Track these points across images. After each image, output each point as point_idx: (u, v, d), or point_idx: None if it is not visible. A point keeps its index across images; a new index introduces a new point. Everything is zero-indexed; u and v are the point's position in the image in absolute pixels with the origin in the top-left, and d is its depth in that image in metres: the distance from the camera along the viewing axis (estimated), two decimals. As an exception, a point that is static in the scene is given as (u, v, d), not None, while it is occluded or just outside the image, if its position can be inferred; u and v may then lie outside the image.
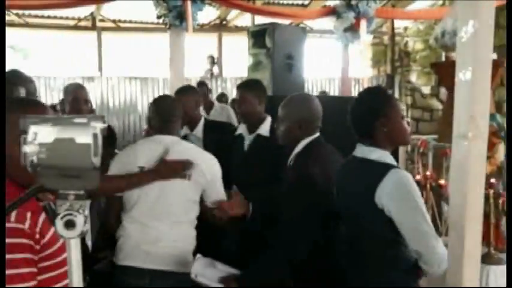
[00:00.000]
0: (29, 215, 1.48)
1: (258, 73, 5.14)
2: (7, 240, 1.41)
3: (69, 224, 1.03)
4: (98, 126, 1.05)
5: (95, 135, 1.04)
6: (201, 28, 9.50)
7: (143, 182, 2.68)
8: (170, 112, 2.88)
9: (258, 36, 5.35)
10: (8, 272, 1.40)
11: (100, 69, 10.84)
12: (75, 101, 3.80)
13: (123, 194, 2.75)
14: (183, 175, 2.70)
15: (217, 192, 2.84)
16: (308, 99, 2.76)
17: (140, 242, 2.69)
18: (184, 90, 3.76)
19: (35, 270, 1.50)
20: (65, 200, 1.04)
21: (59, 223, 1.03)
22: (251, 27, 6.14)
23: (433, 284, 2.84)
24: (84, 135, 1.04)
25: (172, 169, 2.68)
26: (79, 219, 1.04)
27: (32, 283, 1.48)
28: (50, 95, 9.72)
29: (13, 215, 1.44)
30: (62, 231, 1.04)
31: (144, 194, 2.71)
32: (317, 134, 2.71)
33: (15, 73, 3.21)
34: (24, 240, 1.47)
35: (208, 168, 2.80)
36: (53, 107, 4.98)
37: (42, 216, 1.50)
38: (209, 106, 6.63)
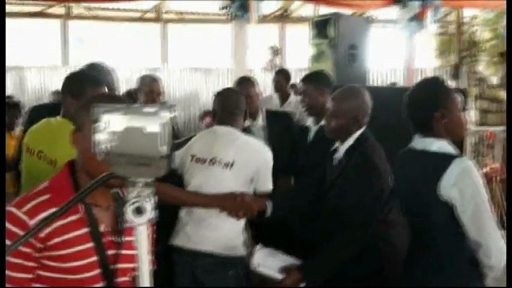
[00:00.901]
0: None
1: (320, 64, 5.12)
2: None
3: (138, 211, 1.06)
4: (167, 115, 1.07)
5: (163, 125, 1.06)
6: (264, 19, 9.51)
7: (202, 204, 2.78)
8: (234, 105, 2.91)
9: (321, 26, 5.31)
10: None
11: (164, 60, 11.03)
12: (150, 93, 3.94)
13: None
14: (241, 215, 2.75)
15: (265, 183, 2.86)
16: (363, 93, 2.72)
17: (186, 224, 2.81)
18: (245, 81, 3.80)
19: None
20: (134, 188, 1.07)
21: (129, 209, 1.06)
22: (314, 18, 6.09)
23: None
24: (153, 124, 1.06)
25: (237, 207, 2.73)
26: (147, 206, 1.07)
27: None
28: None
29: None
30: (131, 217, 1.07)
31: (190, 178, 2.83)
32: (365, 127, 2.68)
33: (95, 67, 3.31)
34: None
35: (257, 158, 2.82)
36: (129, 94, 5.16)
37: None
38: (285, 96, 6.39)
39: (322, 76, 3.53)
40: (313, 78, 3.47)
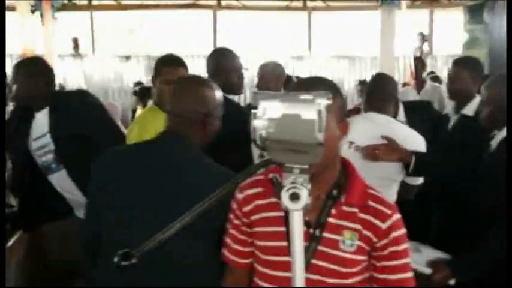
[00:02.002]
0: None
1: (474, 50, 4.86)
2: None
3: (294, 197, 1.07)
4: (323, 102, 1.07)
5: (319, 112, 1.06)
6: (413, 4, 9.19)
7: None
8: (387, 91, 2.87)
9: (476, 11, 5.03)
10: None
11: (309, 48, 11.08)
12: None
13: None
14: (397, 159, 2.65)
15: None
16: None
17: None
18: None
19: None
20: (290, 174, 1.08)
21: (285, 195, 1.08)
22: (467, 2, 5.79)
23: None
24: (310, 111, 1.06)
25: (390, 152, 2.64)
26: (303, 193, 1.07)
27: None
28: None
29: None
30: (287, 203, 1.08)
31: None
32: None
33: (222, 52, 3.43)
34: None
35: (413, 147, 2.74)
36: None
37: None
38: (420, 85, 6.25)
39: (476, 63, 3.35)
40: (467, 64, 3.31)
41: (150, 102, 6.51)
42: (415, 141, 2.77)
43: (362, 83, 7.03)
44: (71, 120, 3.16)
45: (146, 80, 9.20)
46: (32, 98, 3.22)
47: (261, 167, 1.18)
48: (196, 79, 2.16)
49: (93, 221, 2.09)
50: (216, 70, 3.27)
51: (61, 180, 3.23)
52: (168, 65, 3.06)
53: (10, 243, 3.38)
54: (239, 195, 1.67)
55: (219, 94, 2.08)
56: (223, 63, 3.32)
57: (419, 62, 6.14)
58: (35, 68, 3.29)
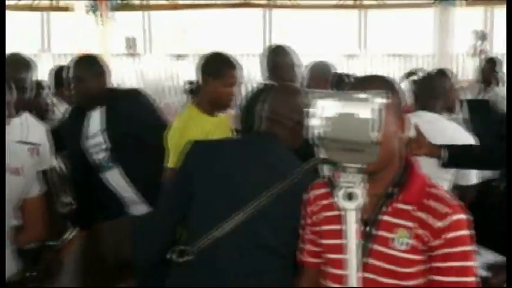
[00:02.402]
0: None
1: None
2: None
3: (350, 196, 1.07)
4: (379, 101, 1.07)
5: (375, 111, 1.06)
6: (469, 1, 8.97)
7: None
8: (435, 89, 2.85)
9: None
10: None
11: (362, 46, 10.95)
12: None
13: None
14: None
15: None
16: None
17: None
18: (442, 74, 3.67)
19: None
20: (346, 173, 1.08)
21: (340, 194, 1.08)
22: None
23: None
24: (365, 110, 1.06)
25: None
26: (358, 192, 1.08)
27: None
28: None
29: None
30: (342, 202, 1.08)
31: None
32: None
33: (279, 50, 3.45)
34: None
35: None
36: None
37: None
38: (488, 84, 6.00)
39: None
40: None
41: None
42: (462, 139, 2.73)
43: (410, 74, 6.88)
44: (125, 119, 3.19)
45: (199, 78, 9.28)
46: (90, 96, 3.26)
47: (315, 166, 1.18)
48: (295, 88, 2.36)
49: (173, 212, 2.18)
50: (274, 68, 3.30)
51: (115, 179, 3.28)
52: (232, 68, 3.09)
53: (69, 238, 3.46)
54: (307, 196, 1.72)
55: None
56: (280, 61, 3.35)
57: (492, 64, 5.95)
58: (95, 67, 3.33)
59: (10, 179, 2.39)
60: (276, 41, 10.28)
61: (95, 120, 3.29)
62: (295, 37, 12.54)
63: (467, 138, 2.78)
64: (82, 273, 3.88)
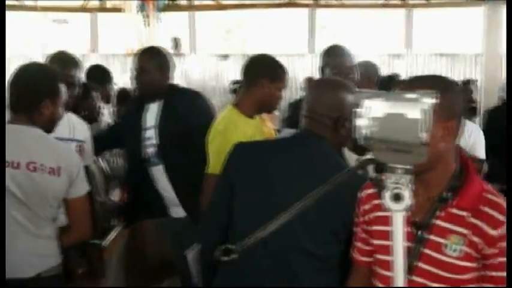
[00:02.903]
0: None
1: None
2: None
3: (397, 197, 1.06)
4: (428, 101, 1.05)
5: (424, 111, 1.04)
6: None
7: None
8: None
9: None
10: None
11: (408, 46, 10.79)
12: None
13: None
14: None
15: None
16: None
17: None
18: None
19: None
20: (393, 174, 1.07)
21: (387, 196, 1.07)
22: None
23: None
24: (414, 110, 1.05)
25: None
26: (406, 193, 1.06)
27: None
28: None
29: None
30: (389, 203, 1.07)
31: None
32: None
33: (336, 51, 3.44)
34: None
35: None
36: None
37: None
38: None
39: None
40: None
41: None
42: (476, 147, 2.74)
43: (466, 83, 6.78)
44: (178, 118, 3.19)
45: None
46: (152, 89, 3.27)
47: (362, 166, 1.17)
48: (332, 82, 2.28)
49: (219, 211, 2.21)
50: (333, 68, 3.30)
51: (158, 176, 3.29)
52: (286, 71, 3.13)
53: (113, 236, 3.50)
54: (360, 194, 1.72)
55: (352, 96, 2.12)
56: (339, 61, 3.35)
57: None
58: (160, 59, 3.32)
59: (55, 178, 2.43)
60: (321, 41, 10.24)
61: (152, 113, 3.30)
62: (341, 37, 12.45)
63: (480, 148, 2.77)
64: (126, 272, 3.94)
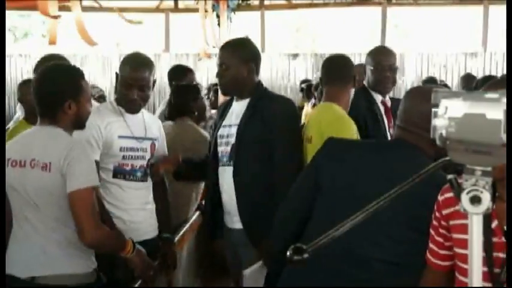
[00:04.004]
0: None
1: None
2: None
3: (475, 200, 1.03)
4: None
5: (506, 112, 1.01)
6: None
7: None
8: None
9: None
10: None
11: (484, 44, 10.46)
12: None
13: None
14: None
15: None
16: None
17: None
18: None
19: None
20: (472, 176, 1.04)
21: (465, 198, 1.04)
22: None
23: None
24: (496, 110, 1.01)
25: None
26: (485, 196, 1.02)
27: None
28: (431, 71, 9.81)
29: None
30: (467, 206, 1.04)
31: None
32: None
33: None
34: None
35: None
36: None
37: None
38: None
39: None
40: None
41: (313, 101, 6.60)
42: None
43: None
44: (263, 122, 2.94)
45: (313, 77, 9.31)
46: (241, 85, 3.01)
47: (439, 168, 1.14)
48: (425, 92, 2.10)
49: (299, 203, 2.24)
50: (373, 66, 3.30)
51: (226, 178, 3.07)
52: None
53: (182, 232, 3.57)
54: (440, 198, 1.67)
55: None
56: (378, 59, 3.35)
57: None
58: (244, 52, 3.05)
59: (46, 174, 2.37)
60: (393, 39, 10.08)
61: (236, 111, 3.07)
62: (413, 35, 12.21)
63: None
64: (196, 264, 4.01)
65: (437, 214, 1.68)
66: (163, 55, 9.74)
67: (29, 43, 16.70)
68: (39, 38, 15.70)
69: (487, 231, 1.46)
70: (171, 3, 9.91)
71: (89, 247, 2.40)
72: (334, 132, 2.70)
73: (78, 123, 2.53)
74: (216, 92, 6.08)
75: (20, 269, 2.41)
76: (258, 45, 9.66)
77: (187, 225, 3.72)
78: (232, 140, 2.99)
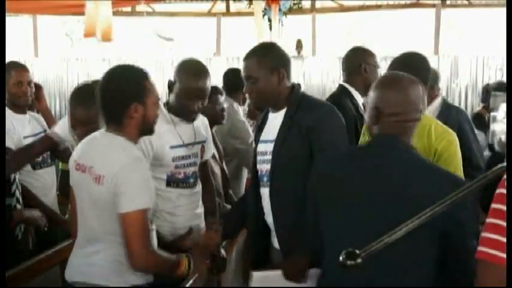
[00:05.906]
0: None
1: None
2: None
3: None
4: None
5: None
6: None
7: None
8: None
9: None
10: None
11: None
12: None
13: None
14: None
15: None
16: None
17: None
18: None
19: None
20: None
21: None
22: None
23: None
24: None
25: None
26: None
27: None
28: (487, 74, 9.56)
29: None
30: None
31: None
32: None
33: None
34: None
35: None
36: None
37: None
38: None
39: None
40: None
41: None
42: None
43: None
44: (301, 136, 2.68)
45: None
46: (274, 96, 2.76)
47: (496, 174, 1.12)
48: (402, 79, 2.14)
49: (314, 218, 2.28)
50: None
51: (265, 198, 2.88)
52: None
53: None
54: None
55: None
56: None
57: None
58: (275, 57, 2.77)
59: (97, 186, 2.33)
60: (446, 41, 9.87)
61: (271, 124, 2.83)
62: (468, 37, 11.94)
63: None
64: (242, 271, 4.04)
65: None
66: (215, 59, 9.83)
67: (85, 47, 17.18)
68: (95, 42, 16.11)
69: None
70: (223, 7, 9.99)
71: (136, 271, 2.32)
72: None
73: (146, 127, 2.42)
74: None
75: (68, 272, 2.45)
76: (309, 49, 9.57)
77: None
78: (270, 156, 2.76)
